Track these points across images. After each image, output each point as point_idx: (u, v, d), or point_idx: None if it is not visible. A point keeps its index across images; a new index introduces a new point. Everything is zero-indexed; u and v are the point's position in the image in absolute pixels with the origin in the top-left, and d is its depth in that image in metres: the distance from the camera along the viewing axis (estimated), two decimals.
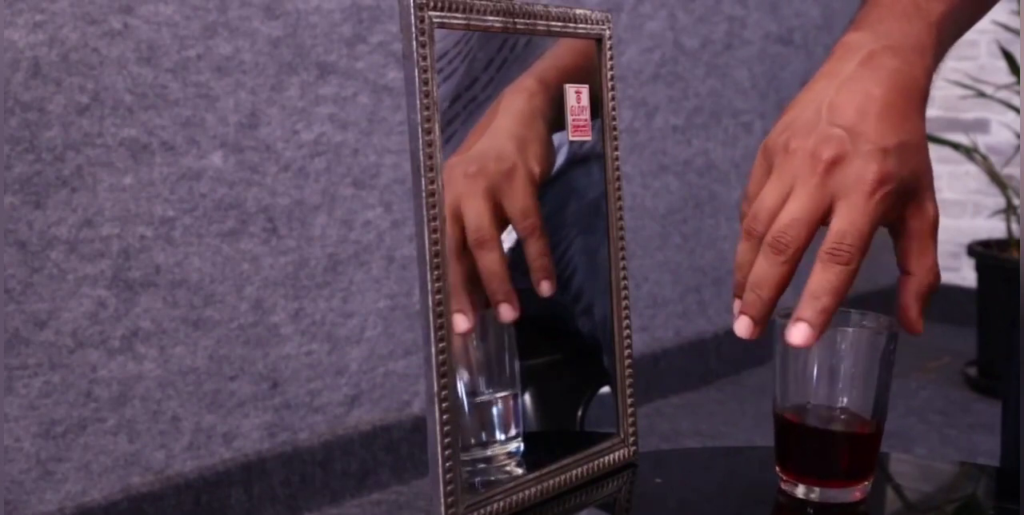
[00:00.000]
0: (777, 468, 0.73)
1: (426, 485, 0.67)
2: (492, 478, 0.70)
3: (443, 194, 0.64)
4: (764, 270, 0.65)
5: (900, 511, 0.78)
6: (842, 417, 0.71)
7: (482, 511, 0.67)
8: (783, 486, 0.73)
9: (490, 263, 0.68)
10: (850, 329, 0.72)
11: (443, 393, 0.65)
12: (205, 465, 1.81)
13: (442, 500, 0.65)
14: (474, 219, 0.68)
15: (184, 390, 1.78)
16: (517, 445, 0.74)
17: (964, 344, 2.96)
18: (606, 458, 0.77)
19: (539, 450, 0.75)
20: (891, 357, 0.72)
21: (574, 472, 0.74)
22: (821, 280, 0.64)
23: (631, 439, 0.79)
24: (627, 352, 0.79)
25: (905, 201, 0.67)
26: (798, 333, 0.64)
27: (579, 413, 0.79)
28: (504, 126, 0.71)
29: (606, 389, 0.79)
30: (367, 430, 2.02)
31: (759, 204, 0.66)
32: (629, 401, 0.79)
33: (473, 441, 0.71)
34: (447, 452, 0.65)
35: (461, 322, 0.67)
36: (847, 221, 0.64)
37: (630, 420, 0.79)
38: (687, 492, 0.79)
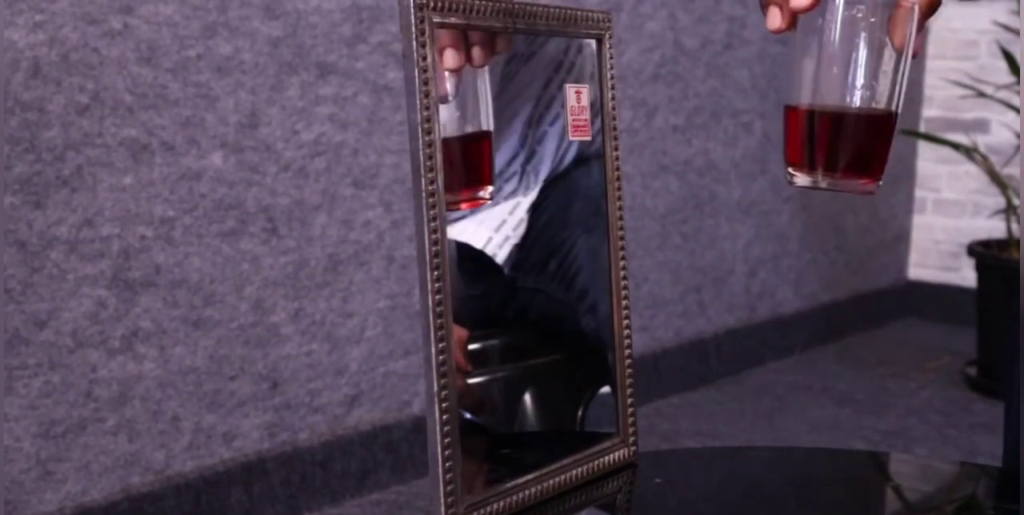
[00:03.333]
0: (787, 165, 0.70)
1: (426, 485, 0.67)
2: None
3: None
4: None
5: (900, 511, 0.78)
6: (854, 100, 0.67)
7: (482, 511, 0.67)
8: (792, 181, 0.69)
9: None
10: None
11: (443, 393, 0.65)
12: (205, 465, 1.82)
13: (442, 500, 0.65)
14: None
15: (184, 390, 1.78)
16: (490, 189, 0.74)
17: (964, 344, 2.96)
18: (606, 458, 0.77)
19: (539, 450, 0.75)
20: (911, 38, 0.67)
21: (574, 472, 0.74)
22: None
23: (631, 439, 0.79)
24: (627, 352, 0.79)
25: None
26: None
27: (579, 413, 0.79)
28: None
29: (606, 389, 0.79)
30: (367, 430, 2.03)
31: None
32: (629, 401, 0.79)
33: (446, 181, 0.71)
34: (447, 452, 0.65)
35: (450, 57, 0.68)
36: None
37: (630, 420, 0.79)
38: (687, 492, 0.79)
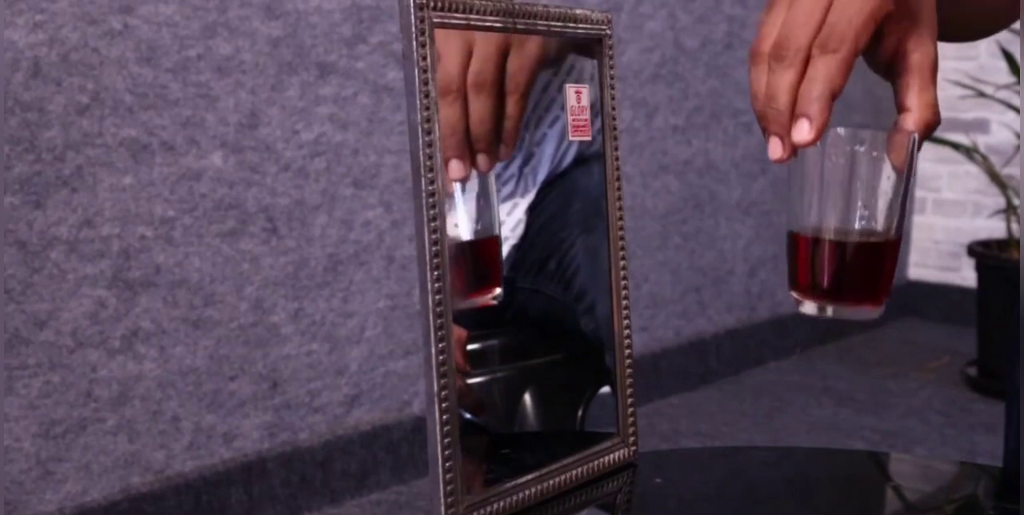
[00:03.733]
0: (790, 289, 0.70)
1: (426, 485, 0.67)
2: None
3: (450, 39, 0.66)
4: (773, 82, 0.64)
5: (900, 511, 0.78)
6: (857, 228, 0.68)
7: (482, 511, 0.67)
8: (799, 308, 0.70)
9: (481, 107, 0.70)
10: (869, 131, 0.68)
11: (443, 393, 0.65)
12: (205, 465, 1.81)
13: (442, 500, 0.65)
14: (478, 63, 0.69)
15: (184, 390, 1.78)
16: (498, 291, 0.74)
17: (964, 344, 2.96)
18: (606, 458, 0.77)
19: (539, 450, 0.75)
20: (912, 165, 0.67)
21: (574, 472, 0.74)
22: (812, 72, 0.63)
23: (631, 439, 0.79)
24: (627, 352, 0.79)
25: (906, 29, 0.66)
26: (800, 129, 0.64)
27: (579, 413, 0.79)
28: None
29: (606, 389, 0.79)
30: (367, 430, 2.03)
31: (761, 29, 0.66)
32: (629, 401, 0.79)
33: (458, 286, 0.71)
34: (447, 452, 0.65)
35: (456, 168, 0.68)
36: (838, 13, 0.63)
37: (630, 420, 0.79)
38: (687, 492, 0.79)
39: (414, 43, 0.64)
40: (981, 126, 3.26)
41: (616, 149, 0.78)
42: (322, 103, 1.90)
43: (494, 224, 0.74)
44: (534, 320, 0.75)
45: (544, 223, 0.75)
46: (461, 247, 0.72)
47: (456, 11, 0.67)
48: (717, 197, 2.75)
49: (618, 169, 0.78)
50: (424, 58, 0.65)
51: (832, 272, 0.68)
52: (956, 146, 2.96)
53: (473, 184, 0.72)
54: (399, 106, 2.01)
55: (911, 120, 0.66)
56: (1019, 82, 2.91)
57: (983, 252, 2.86)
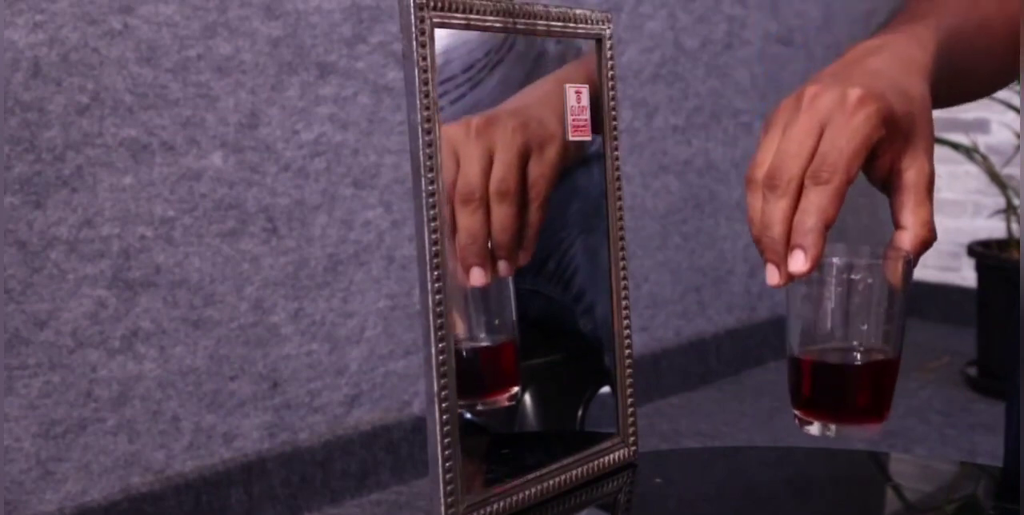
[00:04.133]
0: (793, 409, 0.71)
1: (426, 485, 0.67)
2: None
3: (475, 141, 0.66)
4: (767, 211, 0.65)
5: (900, 511, 0.78)
6: (858, 351, 0.70)
7: (482, 511, 0.67)
8: (800, 426, 0.71)
9: (504, 216, 0.69)
10: (864, 260, 0.70)
11: (443, 393, 0.65)
12: (205, 465, 1.81)
13: (442, 500, 0.65)
14: (501, 170, 0.69)
15: (184, 390, 1.78)
16: (515, 390, 0.74)
17: (964, 344, 2.96)
18: (606, 458, 0.77)
19: (539, 450, 0.75)
20: (907, 288, 0.69)
21: (574, 472, 0.74)
22: (805, 203, 0.64)
23: (631, 439, 0.79)
24: (627, 352, 0.79)
25: (900, 149, 0.66)
26: (795, 260, 0.64)
27: (579, 413, 0.79)
28: (555, 93, 0.73)
29: (606, 389, 0.79)
30: (367, 430, 2.02)
31: (757, 155, 0.67)
32: (629, 401, 0.79)
33: (471, 387, 0.71)
34: (447, 452, 0.65)
35: (478, 276, 0.68)
36: (828, 143, 0.64)
37: (630, 420, 0.79)
38: (687, 492, 0.79)
39: (414, 43, 0.64)
40: (981, 126, 3.25)
41: (616, 149, 0.78)
42: (322, 103, 1.90)
43: (511, 327, 0.73)
44: (533, 320, 0.75)
45: (544, 223, 0.75)
46: (477, 351, 0.72)
47: (456, 11, 0.67)
48: (717, 197, 2.75)
49: (618, 169, 0.78)
50: (424, 58, 0.65)
51: (834, 393, 0.70)
52: (956, 146, 2.96)
53: (492, 288, 0.72)
54: (399, 106, 2.01)
55: (907, 239, 0.67)
56: (1019, 82, 2.91)
57: (983, 252, 2.86)
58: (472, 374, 0.70)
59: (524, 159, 0.70)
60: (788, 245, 0.65)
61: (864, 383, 0.71)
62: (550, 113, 0.72)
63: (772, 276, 0.66)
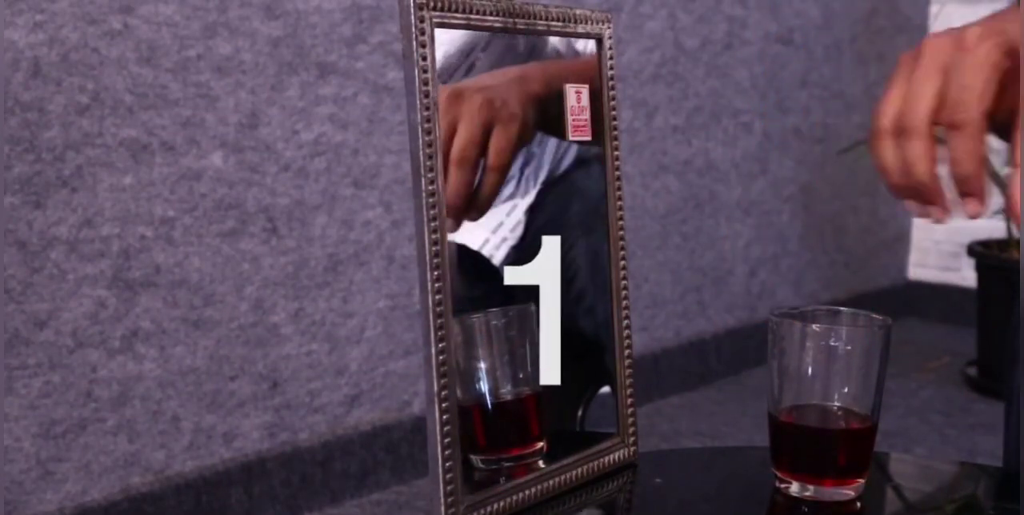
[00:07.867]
0: (773, 467, 0.73)
1: (426, 485, 0.67)
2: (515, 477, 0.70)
3: (439, 116, 0.67)
4: (906, 156, 0.64)
5: (900, 511, 0.78)
6: (837, 415, 0.72)
7: (482, 511, 0.67)
8: (779, 485, 0.73)
9: (458, 183, 0.71)
10: (844, 328, 0.72)
11: (443, 393, 0.65)
12: (205, 465, 1.82)
13: (442, 500, 0.65)
14: (462, 139, 0.71)
15: (184, 390, 1.78)
16: (541, 444, 0.74)
17: (964, 344, 2.96)
18: (606, 458, 0.77)
19: (539, 450, 0.75)
20: (886, 354, 0.72)
21: (574, 472, 0.74)
22: (953, 153, 0.64)
23: (631, 439, 0.79)
24: (627, 352, 0.79)
25: (1015, 86, 0.65)
26: (970, 206, 0.65)
27: (579, 413, 0.79)
28: (529, 79, 0.75)
29: (606, 389, 0.79)
30: (367, 430, 2.03)
31: (881, 105, 0.65)
32: (629, 401, 0.79)
33: (496, 441, 0.71)
34: (447, 452, 0.65)
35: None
36: (955, 83, 0.63)
37: (630, 420, 0.79)
38: (687, 492, 0.79)
39: (414, 43, 0.64)
40: None
41: (616, 149, 0.78)
42: (322, 103, 1.90)
43: (535, 378, 0.73)
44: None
45: (543, 224, 0.75)
46: (503, 405, 0.72)
47: (456, 11, 0.67)
48: (717, 197, 2.74)
49: (618, 170, 0.78)
50: (424, 58, 0.65)
51: (813, 456, 0.72)
52: None
53: (513, 334, 0.72)
54: (399, 106, 2.01)
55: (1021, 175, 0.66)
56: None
57: (983, 252, 2.86)
58: (497, 428, 0.70)
59: (486, 133, 0.72)
60: (936, 183, 0.64)
61: (842, 447, 0.72)
62: (514, 96, 0.73)
63: (973, 207, 0.66)
